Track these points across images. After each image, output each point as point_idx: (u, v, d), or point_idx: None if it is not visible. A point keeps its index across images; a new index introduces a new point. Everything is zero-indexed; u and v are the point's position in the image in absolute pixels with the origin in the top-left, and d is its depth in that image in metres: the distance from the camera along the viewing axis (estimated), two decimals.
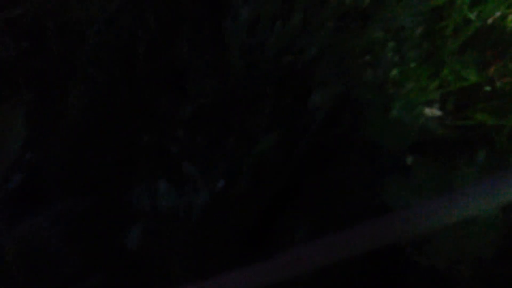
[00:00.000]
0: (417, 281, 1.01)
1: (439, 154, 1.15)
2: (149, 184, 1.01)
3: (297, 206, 1.08)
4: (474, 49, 1.31)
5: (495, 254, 1.00)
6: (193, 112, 1.12)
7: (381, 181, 1.05)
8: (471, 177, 1.00)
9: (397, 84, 1.23)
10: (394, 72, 1.24)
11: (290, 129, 1.11)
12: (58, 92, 1.13)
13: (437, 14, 1.28)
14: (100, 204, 1.05)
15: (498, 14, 1.35)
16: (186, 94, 1.14)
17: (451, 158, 1.10)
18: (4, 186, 1.06)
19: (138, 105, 1.14)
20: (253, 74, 1.17)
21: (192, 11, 1.24)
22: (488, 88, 1.32)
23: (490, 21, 1.35)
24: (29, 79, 1.14)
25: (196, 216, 0.99)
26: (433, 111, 1.26)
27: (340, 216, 1.07)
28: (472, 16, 1.30)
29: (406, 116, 1.17)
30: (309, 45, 1.19)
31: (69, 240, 1.00)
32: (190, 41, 1.14)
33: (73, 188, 1.09)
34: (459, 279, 0.97)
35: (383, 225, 0.73)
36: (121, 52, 1.15)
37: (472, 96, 1.30)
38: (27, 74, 1.15)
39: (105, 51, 1.14)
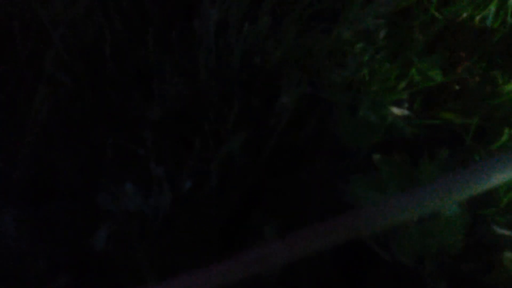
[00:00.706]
0: (382, 277, 1.02)
1: (406, 153, 1.16)
2: (116, 186, 1.02)
3: (265, 206, 1.08)
4: (441, 49, 1.33)
5: (460, 250, 1.01)
6: (161, 113, 1.12)
7: (348, 180, 1.06)
8: (433, 175, 1.02)
9: (365, 84, 1.24)
10: (362, 72, 1.25)
11: (257, 130, 1.11)
12: (22, 96, 1.13)
13: (403, 16, 1.29)
14: (67, 206, 1.05)
15: (465, 15, 1.36)
16: (153, 95, 1.14)
17: (418, 157, 1.11)
18: None
19: (105, 107, 1.14)
20: (221, 75, 1.17)
21: (160, 13, 1.24)
22: (456, 88, 1.34)
23: (457, 21, 1.37)
24: None
25: (162, 218, 0.99)
26: (401, 111, 1.27)
27: (308, 215, 1.08)
28: (439, 16, 1.32)
29: (373, 116, 1.18)
30: (276, 47, 1.19)
31: (36, 242, 1.00)
32: (158, 43, 1.14)
33: (40, 190, 1.08)
34: (424, 275, 0.99)
35: (348, 222, 0.74)
36: (87, 54, 1.15)
37: (439, 95, 1.31)
38: None
39: (71, 53, 1.13)
